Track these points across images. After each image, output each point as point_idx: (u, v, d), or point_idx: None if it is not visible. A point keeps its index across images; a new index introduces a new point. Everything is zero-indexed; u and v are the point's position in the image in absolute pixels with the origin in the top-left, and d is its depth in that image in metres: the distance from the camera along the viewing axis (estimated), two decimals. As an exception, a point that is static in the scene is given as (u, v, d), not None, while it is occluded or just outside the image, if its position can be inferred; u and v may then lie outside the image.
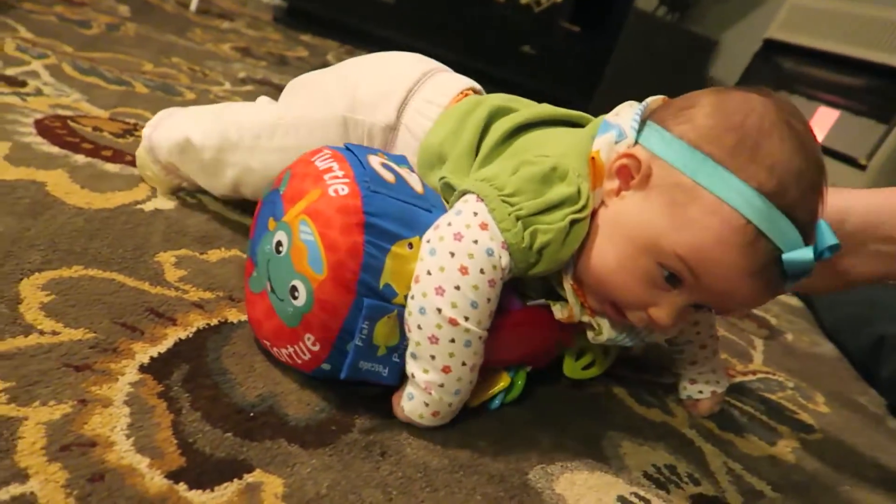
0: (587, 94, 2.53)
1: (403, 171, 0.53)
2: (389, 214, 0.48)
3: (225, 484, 0.39)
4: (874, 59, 1.88)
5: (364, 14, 2.34)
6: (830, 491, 0.63)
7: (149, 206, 0.69)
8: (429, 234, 0.49)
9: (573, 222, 0.48)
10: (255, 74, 1.44)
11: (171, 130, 0.70)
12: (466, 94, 0.66)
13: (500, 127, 0.58)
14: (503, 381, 0.55)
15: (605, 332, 0.54)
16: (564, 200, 0.48)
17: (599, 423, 0.60)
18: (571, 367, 0.61)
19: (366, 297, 0.47)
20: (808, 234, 0.47)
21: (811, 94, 2.05)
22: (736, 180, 0.46)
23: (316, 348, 0.48)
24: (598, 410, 0.62)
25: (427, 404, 0.49)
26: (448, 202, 0.54)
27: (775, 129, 0.47)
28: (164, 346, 0.49)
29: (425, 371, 0.48)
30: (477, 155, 0.58)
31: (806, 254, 0.46)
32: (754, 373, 0.84)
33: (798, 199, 0.46)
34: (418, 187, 0.53)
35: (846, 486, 0.64)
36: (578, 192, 0.49)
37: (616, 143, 0.51)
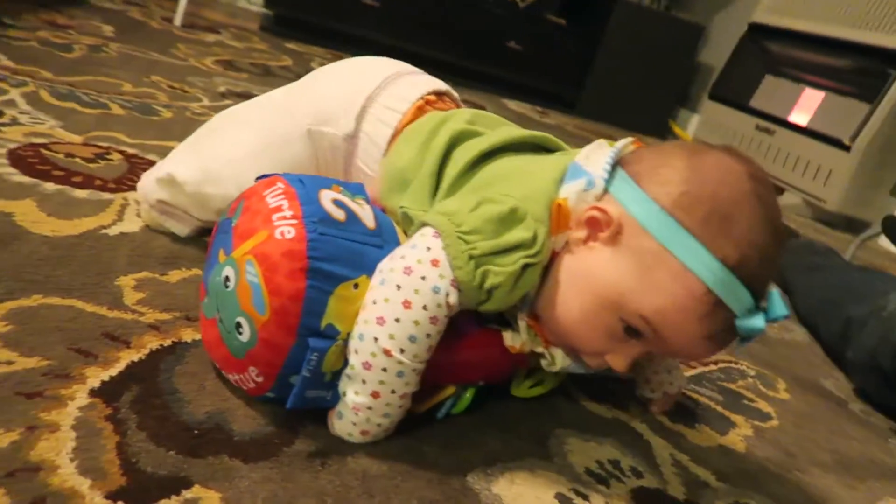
0: (577, 86, 2.54)
1: (356, 206, 0.53)
2: (336, 257, 0.49)
3: (163, 501, 0.42)
4: (858, 39, 1.87)
5: (349, 17, 2.37)
6: (778, 478, 0.64)
7: (114, 231, 0.72)
8: (383, 263, 0.51)
9: (525, 266, 0.50)
10: (235, 88, 1.46)
11: (154, 170, 0.73)
12: (428, 100, 0.67)
13: (464, 155, 0.59)
14: (449, 390, 0.58)
15: (558, 361, 0.56)
16: (520, 244, 0.50)
17: (549, 421, 0.62)
18: (519, 388, 0.63)
19: (308, 338, 0.48)
20: (760, 299, 0.50)
21: (797, 76, 2.05)
22: (704, 251, 0.48)
23: (260, 380, 0.50)
24: (548, 409, 0.64)
25: (355, 424, 0.51)
26: (407, 232, 0.56)
27: (745, 201, 0.49)
28: (115, 370, 0.52)
29: (356, 393, 0.50)
30: (439, 183, 0.59)
31: (759, 322, 0.49)
32: (716, 362, 0.86)
33: (757, 271, 0.49)
34: (370, 223, 0.53)
35: (796, 471, 0.66)
36: (535, 237, 0.50)
37: (585, 190, 0.52)
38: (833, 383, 0.91)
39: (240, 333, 0.49)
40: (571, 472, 0.56)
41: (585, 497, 0.54)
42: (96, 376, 0.51)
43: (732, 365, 0.87)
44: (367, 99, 0.66)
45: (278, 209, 0.50)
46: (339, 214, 0.51)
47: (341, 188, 0.55)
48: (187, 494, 0.43)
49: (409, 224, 0.56)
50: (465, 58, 2.42)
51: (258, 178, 0.56)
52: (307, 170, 0.69)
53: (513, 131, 0.62)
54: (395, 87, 0.67)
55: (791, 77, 2.07)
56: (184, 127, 1.10)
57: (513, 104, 2.39)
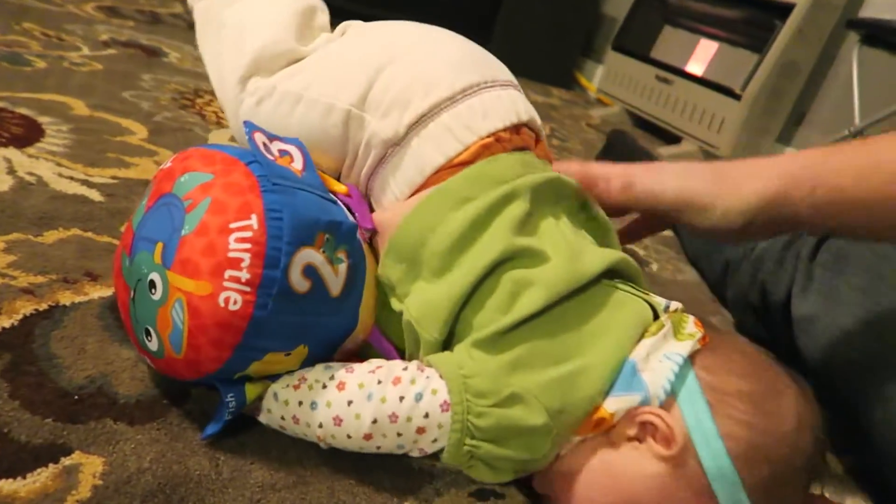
0: (484, 39, 2.53)
1: (328, 272, 0.46)
2: (276, 333, 0.44)
3: (39, 469, 0.40)
4: (749, -11, 1.94)
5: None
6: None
7: (-20, 191, 0.66)
8: (380, 381, 0.45)
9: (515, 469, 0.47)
10: (120, 36, 1.37)
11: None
12: (499, 138, 0.54)
13: (513, 297, 0.47)
14: None
15: None
16: (527, 462, 0.46)
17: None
18: None
19: (217, 381, 0.45)
20: None
21: (693, 27, 2.11)
22: None
23: (156, 368, 0.48)
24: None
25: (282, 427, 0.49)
26: (405, 329, 0.50)
27: (802, 473, 0.46)
28: (-17, 338, 0.49)
29: (268, 411, 0.48)
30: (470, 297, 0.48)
31: None
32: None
33: None
34: (335, 289, 0.46)
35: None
36: (546, 455, 0.46)
37: (637, 406, 0.45)
38: (719, 319, 0.96)
39: (148, 340, 0.45)
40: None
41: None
42: (-40, 346, 0.47)
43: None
44: (432, 107, 0.53)
45: (236, 264, 0.42)
46: (303, 287, 0.44)
47: (327, 237, 0.46)
48: (66, 461, 0.41)
49: (409, 328, 0.49)
50: (368, 7, 2.35)
51: (246, 124, 0.50)
52: (336, 149, 0.58)
53: (585, 266, 0.49)
54: (470, 105, 0.54)
55: (688, 28, 2.13)
56: (60, 78, 1.02)
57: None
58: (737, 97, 1.85)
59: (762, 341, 0.91)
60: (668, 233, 1.28)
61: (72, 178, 0.74)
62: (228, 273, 0.42)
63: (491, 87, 0.56)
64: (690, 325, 0.49)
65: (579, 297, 0.48)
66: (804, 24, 1.79)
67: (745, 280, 0.90)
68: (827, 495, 0.62)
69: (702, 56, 2.04)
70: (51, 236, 0.63)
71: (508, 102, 0.56)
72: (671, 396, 0.46)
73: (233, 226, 0.42)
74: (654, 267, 1.09)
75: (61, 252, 0.61)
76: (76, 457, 0.42)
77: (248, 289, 0.42)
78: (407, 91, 0.54)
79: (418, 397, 0.44)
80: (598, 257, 0.50)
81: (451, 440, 0.45)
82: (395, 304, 0.51)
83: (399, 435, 0.45)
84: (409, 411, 0.44)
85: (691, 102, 2.00)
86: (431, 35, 0.61)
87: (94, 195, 0.72)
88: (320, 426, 0.46)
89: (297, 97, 0.58)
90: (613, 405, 0.45)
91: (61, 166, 0.76)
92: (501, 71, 0.59)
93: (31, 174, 0.72)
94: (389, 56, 0.57)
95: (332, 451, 0.48)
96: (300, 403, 0.47)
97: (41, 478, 0.40)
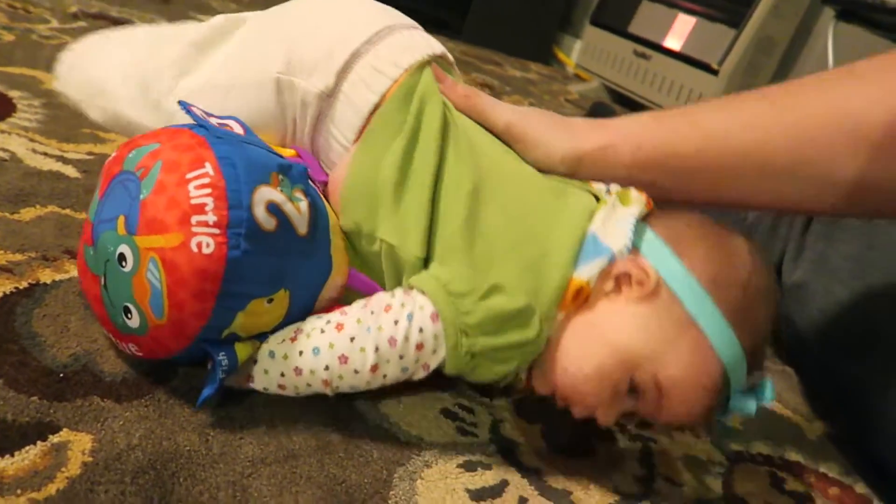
0: (461, 12, 2.50)
1: (291, 209, 0.46)
2: (254, 277, 0.44)
3: (27, 447, 0.40)
4: (727, -37, 1.94)
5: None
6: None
7: (-48, 167, 0.65)
8: (368, 312, 0.48)
9: (519, 362, 0.50)
10: (89, 8, 1.33)
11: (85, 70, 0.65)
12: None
13: (456, 175, 0.52)
14: None
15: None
16: (521, 344, 0.49)
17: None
18: None
19: (204, 343, 0.45)
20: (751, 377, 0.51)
21: (671, 1, 2.11)
22: (730, 332, 0.48)
23: (139, 355, 0.47)
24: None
25: (266, 389, 0.50)
26: (384, 262, 0.52)
27: (763, 295, 0.50)
28: (-37, 317, 0.48)
29: (265, 371, 0.48)
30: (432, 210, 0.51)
31: (749, 406, 0.50)
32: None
33: (760, 358, 0.52)
34: (302, 228, 0.47)
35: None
36: (537, 336, 0.49)
37: (607, 265, 0.50)
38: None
39: (128, 318, 0.44)
40: (456, 388, 0.58)
41: (470, 410, 0.56)
42: (-60, 325, 0.46)
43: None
44: (353, 55, 0.55)
45: (200, 209, 0.42)
46: (270, 224, 0.44)
47: (281, 177, 0.47)
48: (55, 439, 0.41)
49: (390, 257, 0.52)
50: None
51: (182, 104, 0.49)
52: (274, 123, 0.59)
53: (507, 159, 0.56)
54: (388, 44, 0.57)
55: (665, 2, 2.13)
56: (28, 51, 0.99)
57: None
58: (714, 72, 1.86)
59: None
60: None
61: (46, 154, 0.72)
62: (195, 219, 0.42)
63: (404, 28, 0.60)
64: (633, 192, 0.53)
65: (528, 189, 0.54)
66: (780, 0, 1.80)
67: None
68: (803, 462, 0.64)
69: (679, 31, 2.04)
70: (28, 213, 0.62)
71: (421, 39, 0.60)
72: (635, 250, 0.50)
73: (189, 176, 0.43)
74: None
75: (39, 229, 0.60)
76: (64, 434, 0.41)
77: (217, 231, 0.42)
78: (326, 46, 0.56)
79: (410, 317, 0.47)
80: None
81: (449, 344, 0.48)
82: (367, 245, 0.53)
83: (401, 357, 0.47)
84: (405, 331, 0.47)
85: (669, 78, 2.01)
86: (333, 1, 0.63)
87: (70, 171, 0.71)
88: (326, 369, 0.47)
89: (226, 88, 0.58)
90: (586, 273, 0.49)
91: (34, 142, 0.74)
92: (406, 18, 0.63)
93: (4, 150, 0.70)
94: (299, 24, 0.59)
95: (319, 424, 0.49)
96: (301, 353, 0.47)
97: (30, 455, 0.39)
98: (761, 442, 0.65)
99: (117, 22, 1.31)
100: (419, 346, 0.48)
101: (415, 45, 0.58)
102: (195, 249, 0.42)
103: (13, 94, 0.84)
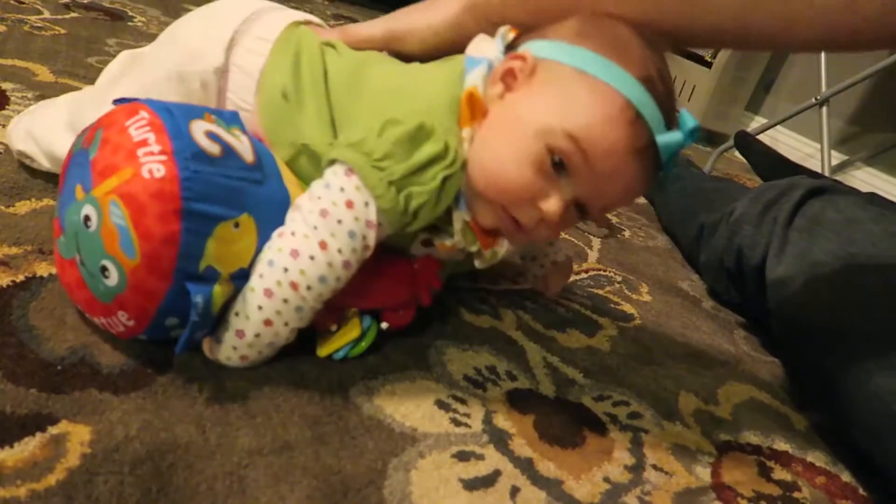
0: None
1: (232, 139, 0.49)
2: (212, 196, 0.46)
3: (26, 439, 0.40)
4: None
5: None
6: (637, 371, 0.71)
7: (-54, 160, 0.65)
8: (301, 199, 0.51)
9: (445, 179, 0.51)
10: (81, -1, 1.32)
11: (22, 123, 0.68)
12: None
13: (339, 67, 0.58)
14: (354, 332, 0.57)
15: (500, 253, 0.57)
16: (434, 158, 0.51)
17: (428, 334, 0.65)
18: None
19: (186, 281, 0.46)
20: (670, 122, 0.53)
21: (664, -7, 2.11)
22: (615, 66, 0.51)
23: (131, 323, 0.47)
24: (427, 323, 0.66)
25: (236, 349, 0.51)
26: (312, 168, 0.55)
27: (633, 36, 0.53)
28: (-40, 310, 0.48)
29: (246, 318, 0.50)
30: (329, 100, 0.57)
31: (676, 136, 0.51)
32: (587, 271, 0.91)
33: (663, 93, 0.52)
34: (248, 156, 0.50)
35: (654, 364, 0.73)
36: (447, 147, 0.51)
37: (489, 73, 0.53)
38: (689, 284, 0.99)
39: (106, 277, 0.45)
40: (450, 380, 0.59)
41: (463, 401, 0.57)
42: (-63, 318, 0.47)
43: (601, 273, 0.93)
44: (235, 33, 0.61)
45: (143, 143, 0.45)
46: (214, 149, 0.47)
47: (214, 117, 0.50)
48: (53, 430, 0.41)
49: (315, 161, 0.55)
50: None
51: (116, 101, 0.51)
52: None
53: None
54: (263, 19, 0.63)
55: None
56: (21, 43, 0.99)
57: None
58: (707, 65, 1.87)
59: (734, 305, 0.94)
60: (641, 200, 1.30)
61: (41, 147, 0.72)
62: (141, 151, 0.45)
63: (275, 8, 0.66)
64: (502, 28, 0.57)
65: (409, 64, 0.59)
66: (773, -8, 1.80)
67: (720, 243, 0.92)
68: (790, 451, 0.65)
69: (673, 23, 2.04)
70: (23, 207, 0.62)
71: (294, 12, 0.66)
72: (511, 52, 0.54)
73: (128, 123, 0.47)
74: (627, 234, 1.11)
75: (35, 223, 0.60)
76: (63, 426, 0.42)
77: (164, 157, 0.45)
78: (211, 33, 0.62)
79: (327, 185, 0.50)
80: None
81: (370, 183, 0.49)
82: (310, 166, 0.56)
83: (340, 222, 0.50)
84: (330, 198, 0.50)
85: (662, 70, 2.01)
86: (202, 8, 0.67)
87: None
88: (286, 271, 0.49)
89: (137, 93, 0.60)
90: (471, 82, 0.53)
91: (29, 135, 0.74)
92: (276, 3, 0.68)
93: (-2, 143, 0.70)
94: (187, 27, 0.65)
95: (314, 415, 0.49)
96: (262, 275, 0.49)
97: (29, 447, 0.40)
98: (749, 432, 0.66)
99: (111, 12, 1.31)
100: (349, 204, 0.50)
101: (290, 15, 0.64)
102: (147, 175, 0.44)
103: (6, 86, 0.84)
